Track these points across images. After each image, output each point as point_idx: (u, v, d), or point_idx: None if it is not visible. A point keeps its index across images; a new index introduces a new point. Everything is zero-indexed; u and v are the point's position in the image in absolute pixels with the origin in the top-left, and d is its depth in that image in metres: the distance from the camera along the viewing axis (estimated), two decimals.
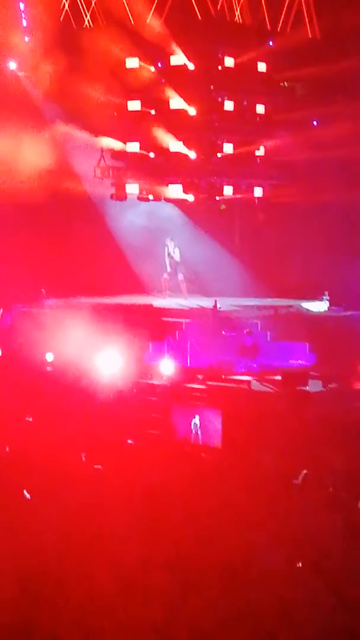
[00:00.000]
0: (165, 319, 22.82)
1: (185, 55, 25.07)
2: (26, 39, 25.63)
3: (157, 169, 26.16)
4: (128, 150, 26.33)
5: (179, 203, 26.77)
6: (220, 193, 25.97)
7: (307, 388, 18.60)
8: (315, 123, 25.97)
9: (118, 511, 10.52)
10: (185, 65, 25.21)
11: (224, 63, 25.21)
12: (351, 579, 9.01)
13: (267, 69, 25.76)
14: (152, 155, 26.11)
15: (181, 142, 25.58)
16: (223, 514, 10.50)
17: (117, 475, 12.40)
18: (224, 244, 27.44)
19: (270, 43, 25.74)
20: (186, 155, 25.71)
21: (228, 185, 25.98)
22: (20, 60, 25.95)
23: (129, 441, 15.18)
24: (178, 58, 25.18)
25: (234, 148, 25.64)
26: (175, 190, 26.12)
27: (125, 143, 26.28)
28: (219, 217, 27.33)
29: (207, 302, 24.15)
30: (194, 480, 12.27)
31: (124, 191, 26.48)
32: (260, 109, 26.04)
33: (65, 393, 18.01)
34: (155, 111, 25.80)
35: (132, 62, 25.49)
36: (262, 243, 26.87)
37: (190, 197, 26.17)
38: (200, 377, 19.64)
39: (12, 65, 26.07)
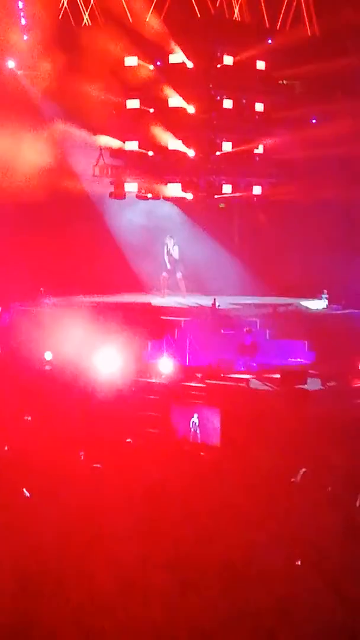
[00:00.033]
0: (164, 317, 22.81)
1: (184, 53, 25.06)
2: (25, 37, 25.60)
3: (156, 167, 26.15)
4: (127, 149, 26.32)
5: (177, 201, 26.75)
6: (219, 191, 25.97)
7: (306, 386, 18.61)
8: (314, 121, 25.96)
9: (117, 510, 10.51)
10: (184, 64, 25.20)
11: (222, 61, 25.19)
12: (351, 578, 9.01)
13: (266, 67, 25.74)
14: (151, 153, 26.10)
15: (180, 141, 25.57)
16: (222, 513, 10.50)
17: (116, 474, 12.39)
18: (223, 242, 27.43)
19: (269, 41, 25.72)
20: (185, 154, 25.69)
21: (227, 183, 25.97)
22: (19, 58, 25.92)
23: (128, 440, 15.16)
24: (177, 56, 25.17)
25: (233, 146, 25.62)
26: (174, 189, 26.11)
27: (124, 141, 26.26)
28: (218, 216, 27.34)
29: (206, 301, 24.15)
30: (193, 479, 12.26)
31: (123, 190, 26.47)
32: (259, 107, 26.02)
33: (64, 392, 18.01)
34: (154, 109, 25.78)
35: (131, 61, 25.47)
36: (261, 241, 26.86)
37: (189, 196, 26.16)
38: (199, 375, 19.63)
39: (11, 63, 26.05)
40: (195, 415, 16.93)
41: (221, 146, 25.58)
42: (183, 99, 25.27)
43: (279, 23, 25.91)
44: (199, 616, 8.28)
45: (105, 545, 9.49)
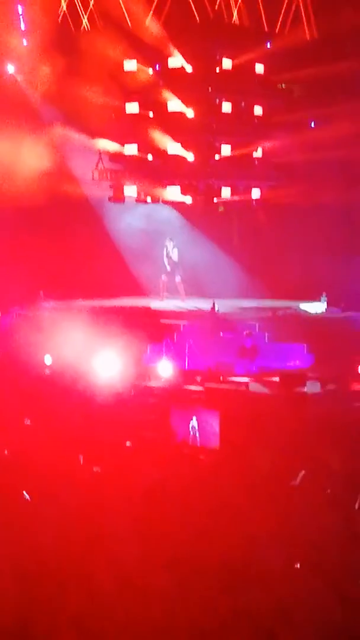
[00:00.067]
0: (163, 321, 22.84)
1: (183, 57, 25.13)
2: (24, 42, 25.67)
3: (155, 171, 26.21)
4: (126, 153, 26.39)
5: (177, 205, 26.81)
6: (218, 195, 26.02)
7: (305, 389, 18.60)
8: (313, 124, 26.01)
9: (117, 513, 10.52)
10: (183, 68, 25.27)
11: (221, 65, 25.28)
12: (351, 579, 9.02)
13: (264, 71, 25.83)
14: (150, 157, 26.17)
15: (179, 144, 25.64)
16: (221, 515, 10.51)
17: (115, 478, 12.40)
18: (222, 245, 27.47)
19: (268, 45, 25.79)
20: (184, 158, 25.75)
21: (226, 187, 26.04)
22: (19, 63, 26.00)
23: (128, 443, 15.17)
24: (176, 60, 25.24)
25: (232, 150, 25.70)
26: (173, 193, 26.17)
27: (123, 145, 26.33)
28: (217, 219, 27.37)
29: (205, 304, 24.17)
30: (193, 481, 12.26)
31: (122, 193, 26.53)
32: (258, 110, 26.11)
33: (63, 395, 18.00)
34: (153, 113, 25.86)
35: (130, 65, 25.56)
36: (260, 244, 26.89)
37: (188, 199, 26.21)
38: (198, 379, 19.63)
39: (11, 68, 26.13)
40: (195, 419, 16.92)
41: (220, 150, 25.66)
42: (182, 102, 25.34)
43: (278, 27, 25.96)
44: (199, 617, 8.29)
45: (105, 546, 9.51)
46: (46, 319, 22.96)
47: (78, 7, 26.11)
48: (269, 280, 25.88)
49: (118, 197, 26.54)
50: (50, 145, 24.97)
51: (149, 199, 26.66)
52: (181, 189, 26.05)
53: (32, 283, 24.67)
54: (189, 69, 25.27)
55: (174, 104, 25.41)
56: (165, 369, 19.93)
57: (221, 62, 25.27)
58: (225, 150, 25.66)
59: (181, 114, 25.44)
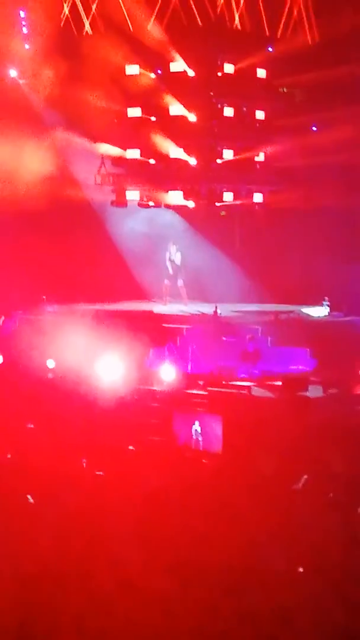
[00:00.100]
0: (166, 325, 22.85)
1: (185, 61, 25.16)
2: (26, 46, 25.71)
3: (158, 175, 26.23)
4: (128, 157, 26.41)
5: (179, 209, 26.81)
6: (221, 199, 26.05)
7: (308, 393, 18.60)
8: (314, 129, 26.02)
9: (119, 516, 10.54)
10: (185, 72, 25.30)
11: (223, 69, 25.31)
12: (353, 583, 9.04)
13: (266, 75, 25.85)
14: (152, 161, 26.19)
15: (181, 149, 25.67)
16: (224, 519, 10.53)
17: (118, 481, 12.42)
18: (224, 249, 27.47)
19: (270, 49, 25.81)
20: (186, 162, 25.78)
21: (228, 191, 26.06)
22: (21, 67, 26.03)
23: (130, 447, 15.18)
24: (178, 65, 25.28)
25: (234, 154, 25.72)
26: (175, 197, 26.19)
27: (125, 150, 26.35)
28: (219, 223, 27.38)
29: (207, 308, 24.19)
30: (195, 485, 12.28)
31: (125, 198, 26.56)
32: (260, 115, 26.13)
33: (66, 399, 18.01)
34: (156, 118, 25.88)
35: (132, 69, 25.58)
36: (263, 249, 26.88)
37: (190, 204, 26.23)
38: (201, 383, 19.64)
39: (13, 72, 26.15)
40: (197, 423, 16.92)
41: (222, 154, 25.69)
42: (184, 107, 25.36)
43: (280, 31, 25.98)
44: (200, 619, 8.31)
45: (107, 549, 9.53)
46: (49, 323, 22.98)
47: (80, 12, 26.14)
48: (271, 284, 25.88)
49: (120, 201, 26.57)
50: (52, 150, 25.00)
51: (151, 203, 26.68)
52: (183, 194, 26.07)
53: (34, 287, 24.68)
54: (191, 73, 25.30)
55: (176, 109, 25.44)
56: (167, 373, 19.94)
57: (223, 67, 25.30)
58: (228, 154, 25.69)
59: (183, 118, 25.47)
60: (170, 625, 8.23)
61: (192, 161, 25.75)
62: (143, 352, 20.93)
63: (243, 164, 25.95)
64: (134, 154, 26.26)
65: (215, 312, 23.18)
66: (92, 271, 25.68)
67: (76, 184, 26.06)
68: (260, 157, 26.30)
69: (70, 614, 8.41)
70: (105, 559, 9.33)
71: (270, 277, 25.91)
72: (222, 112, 25.54)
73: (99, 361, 19.48)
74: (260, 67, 25.66)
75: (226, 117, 25.56)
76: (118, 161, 26.56)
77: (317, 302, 24.70)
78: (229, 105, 25.58)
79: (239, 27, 26.28)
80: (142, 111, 25.89)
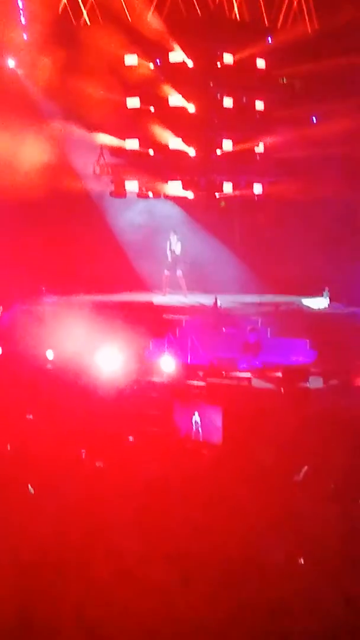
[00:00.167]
0: (165, 316, 22.81)
1: (184, 52, 25.08)
2: (25, 36, 25.61)
3: (157, 166, 26.16)
4: (127, 147, 26.33)
5: (178, 200, 26.77)
6: (220, 190, 26.00)
7: (308, 385, 18.57)
8: (314, 119, 25.96)
9: (119, 508, 10.52)
10: (184, 62, 25.22)
11: (222, 60, 25.23)
12: (352, 574, 9.02)
13: (266, 66, 25.78)
14: (151, 152, 26.12)
15: (180, 139, 25.59)
16: (223, 510, 10.51)
17: (118, 472, 12.40)
18: (224, 241, 27.42)
19: (269, 40, 25.74)
20: (185, 153, 25.71)
21: (227, 182, 26.01)
22: (19, 57, 25.93)
23: (130, 438, 15.16)
24: (177, 55, 25.20)
25: (234, 145, 25.66)
26: (174, 188, 26.13)
27: (124, 140, 26.27)
28: (219, 214, 27.33)
29: (207, 299, 24.14)
30: (195, 476, 12.27)
31: (124, 188, 26.50)
32: (259, 105, 26.06)
33: (65, 391, 17.99)
34: (155, 108, 25.80)
35: (131, 59, 25.49)
36: (262, 240, 26.84)
37: (189, 194, 26.17)
38: (200, 374, 19.61)
39: (11, 62, 26.05)
40: (197, 414, 16.89)
41: (222, 145, 25.62)
42: (183, 97, 25.30)
43: (279, 21, 25.92)
44: (199, 609, 8.30)
45: (107, 539, 9.52)
46: (48, 314, 22.94)
47: (79, 1, 26.05)
48: (271, 276, 25.82)
49: (119, 192, 26.51)
50: (51, 140, 24.91)
51: (150, 194, 26.63)
52: (183, 184, 26.01)
53: (33, 278, 24.63)
54: (190, 63, 25.23)
55: (175, 99, 25.36)
56: (167, 364, 19.90)
57: (222, 57, 25.21)
58: (227, 145, 25.62)
59: (182, 109, 25.40)
60: (169, 615, 8.22)
61: (192, 152, 25.68)
62: (143, 343, 20.90)
63: (242, 155, 25.89)
64: (133, 144, 26.19)
65: (215, 303, 23.13)
66: (91, 262, 25.62)
67: (75, 174, 25.98)
68: (260, 148, 26.23)
69: (70, 603, 8.41)
70: (105, 549, 9.32)
71: (270, 268, 25.86)
72: (222, 102, 25.47)
73: (98, 352, 19.45)
74: (259, 58, 25.59)
75: (225, 107, 25.50)
76: (117, 152, 26.48)
77: (317, 293, 24.63)
78: (228, 96, 25.51)
79: (238, 17, 26.22)
80: (141, 101, 25.80)
